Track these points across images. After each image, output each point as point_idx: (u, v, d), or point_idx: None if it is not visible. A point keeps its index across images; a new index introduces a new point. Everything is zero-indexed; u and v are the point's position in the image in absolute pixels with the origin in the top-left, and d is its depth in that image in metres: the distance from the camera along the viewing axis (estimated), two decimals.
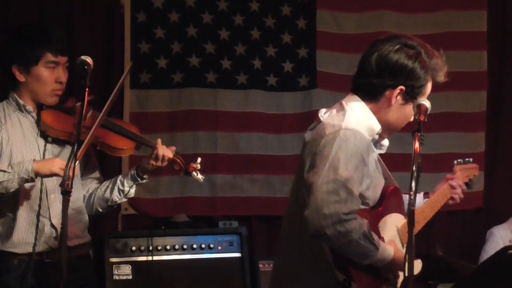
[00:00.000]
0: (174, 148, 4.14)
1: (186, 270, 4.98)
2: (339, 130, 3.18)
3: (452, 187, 3.77)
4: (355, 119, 3.25)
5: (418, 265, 3.40)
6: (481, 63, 5.92)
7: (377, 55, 3.32)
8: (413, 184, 2.99)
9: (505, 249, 2.69)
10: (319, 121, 3.32)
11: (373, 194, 3.29)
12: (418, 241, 3.21)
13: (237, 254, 5.09)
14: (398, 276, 3.29)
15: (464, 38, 5.88)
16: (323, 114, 3.36)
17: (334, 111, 3.33)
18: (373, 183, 3.28)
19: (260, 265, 5.17)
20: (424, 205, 3.68)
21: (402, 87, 3.29)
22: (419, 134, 3.11)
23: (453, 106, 5.83)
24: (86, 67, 3.36)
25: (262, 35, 5.61)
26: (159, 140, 4.08)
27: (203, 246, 5.05)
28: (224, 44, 5.56)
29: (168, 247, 4.99)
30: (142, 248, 4.94)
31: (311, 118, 5.65)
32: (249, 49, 5.60)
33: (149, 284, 4.88)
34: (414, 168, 3.02)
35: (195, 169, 4.15)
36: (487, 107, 5.94)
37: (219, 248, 5.07)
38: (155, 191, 5.39)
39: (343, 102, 3.35)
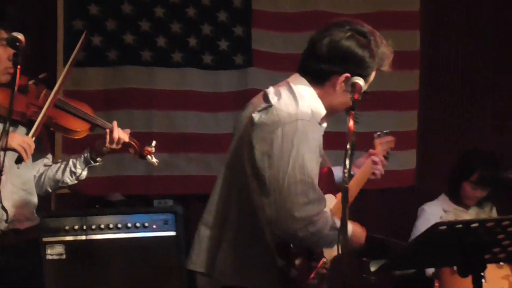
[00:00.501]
0: (128, 130, 4.08)
1: (121, 249, 4.95)
2: (297, 120, 3.16)
3: (374, 163, 3.80)
4: (307, 106, 3.25)
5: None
6: (414, 42, 6.00)
7: (328, 40, 3.30)
8: (347, 162, 3.02)
9: (436, 225, 2.74)
10: (270, 104, 3.26)
11: (317, 174, 3.29)
12: (351, 219, 3.30)
13: (172, 233, 5.07)
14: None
15: (397, 17, 5.94)
16: (273, 96, 3.30)
17: (284, 95, 3.29)
18: (320, 167, 3.30)
19: None
20: (351, 181, 3.67)
21: (348, 74, 3.28)
22: (353, 112, 3.14)
23: (386, 85, 5.89)
24: (17, 43, 3.30)
25: (198, 13, 5.59)
26: (115, 123, 3.97)
27: (137, 225, 5.02)
28: (160, 22, 5.52)
29: (102, 226, 4.95)
30: (76, 227, 4.89)
31: (247, 96, 5.67)
32: (184, 27, 5.57)
33: (83, 264, 4.84)
34: (348, 146, 3.05)
35: (150, 153, 4.12)
36: (419, 86, 6.02)
37: (154, 227, 5.05)
38: (89, 169, 5.33)
39: (292, 85, 3.32)
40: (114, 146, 3.99)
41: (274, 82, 3.53)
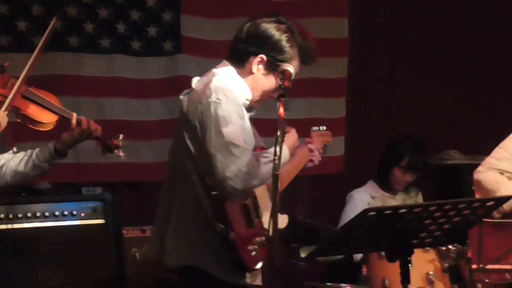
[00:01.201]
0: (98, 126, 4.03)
1: (49, 237, 4.88)
2: (211, 94, 3.34)
3: (311, 150, 3.91)
4: (224, 81, 3.41)
5: (284, 219, 3.64)
6: (343, 30, 6.03)
7: (250, 24, 3.48)
8: (278, 148, 3.04)
9: (366, 211, 2.77)
10: (192, 88, 3.46)
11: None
12: (282, 204, 3.34)
13: (101, 221, 5.02)
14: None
15: (325, 4, 5.97)
16: (196, 81, 3.50)
17: (204, 78, 3.47)
18: (251, 141, 3.46)
19: (124, 232, 5.13)
20: (288, 164, 3.76)
21: (263, 56, 3.44)
22: (283, 99, 3.16)
23: (315, 72, 5.90)
24: None
25: None
26: (82, 118, 3.93)
27: (65, 213, 4.96)
28: (87, 8, 5.44)
29: (29, 214, 4.87)
30: (2, 216, 4.81)
31: (176, 83, 5.67)
32: (112, 13, 5.50)
33: (10, 253, 4.76)
34: (278, 133, 3.07)
35: (117, 146, 4.07)
36: (348, 73, 6.07)
37: (82, 215, 4.99)
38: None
39: (213, 70, 3.50)
40: (83, 139, 3.95)
41: (203, 69, 3.60)
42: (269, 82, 3.50)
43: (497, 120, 6.12)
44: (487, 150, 3.97)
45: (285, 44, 3.45)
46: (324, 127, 4.16)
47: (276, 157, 3.03)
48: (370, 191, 5.59)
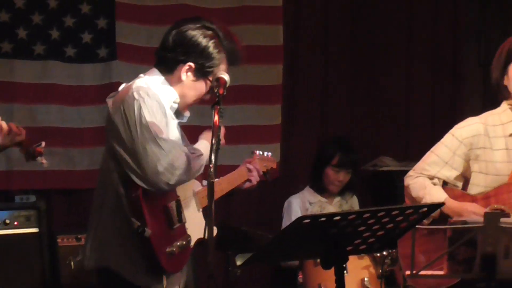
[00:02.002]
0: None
1: None
2: (132, 93, 3.36)
3: (249, 170, 3.94)
4: (147, 83, 3.43)
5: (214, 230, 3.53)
6: (277, 37, 6.06)
7: (176, 31, 3.50)
8: (213, 156, 3.04)
9: (301, 218, 2.79)
10: (118, 91, 3.49)
11: None
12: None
13: (35, 229, 4.96)
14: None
15: (260, 12, 5.99)
16: (122, 86, 3.53)
17: (130, 82, 3.48)
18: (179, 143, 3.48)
19: (59, 240, 5.07)
20: (222, 178, 3.78)
21: (192, 64, 3.47)
22: (218, 107, 3.17)
23: (250, 79, 5.94)
24: None
25: (60, 5, 5.46)
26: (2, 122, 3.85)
27: None
28: (20, 13, 5.37)
29: None
30: None
31: (111, 89, 5.55)
32: (46, 19, 5.44)
33: None
34: (213, 140, 3.07)
35: (40, 153, 3.99)
36: (283, 80, 6.10)
37: (16, 223, 4.93)
38: None
39: (140, 75, 3.53)
40: (8, 144, 3.85)
41: (138, 75, 3.57)
42: (199, 88, 3.53)
43: (430, 127, 6.22)
44: (420, 156, 4.02)
45: (212, 50, 3.48)
46: (270, 153, 4.21)
47: (212, 165, 3.05)
48: (307, 197, 5.62)
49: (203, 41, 3.47)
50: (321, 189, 5.60)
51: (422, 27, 6.38)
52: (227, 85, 3.36)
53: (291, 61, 6.16)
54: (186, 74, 3.49)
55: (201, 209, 3.65)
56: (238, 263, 4.65)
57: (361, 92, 6.34)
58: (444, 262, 3.21)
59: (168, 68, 3.51)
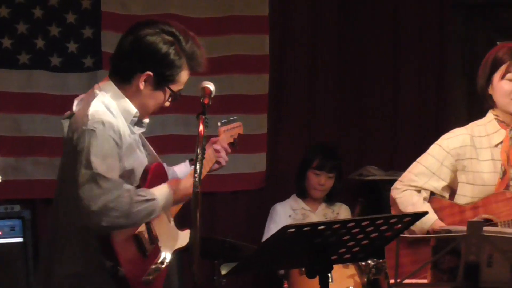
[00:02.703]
0: None
1: None
2: (87, 122, 3.16)
3: (216, 151, 3.67)
4: (103, 107, 3.23)
5: (186, 236, 3.51)
6: (263, 46, 6.07)
7: (132, 38, 3.27)
8: (198, 166, 3.04)
9: (285, 228, 2.79)
10: (73, 112, 3.29)
11: (139, 171, 3.34)
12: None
13: (19, 239, 4.94)
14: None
15: (246, 21, 6.00)
16: (76, 104, 3.32)
17: (84, 102, 3.29)
18: (136, 162, 3.32)
19: None
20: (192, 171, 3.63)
21: (150, 72, 3.25)
22: (203, 116, 3.17)
23: (236, 89, 5.95)
24: None
25: (45, 14, 5.46)
26: None
27: None
28: (5, 22, 5.36)
29: None
30: None
31: None
32: (31, 28, 5.43)
33: None
34: (198, 150, 3.07)
35: None
36: (269, 90, 6.10)
37: (0, 233, 4.90)
38: None
39: (95, 90, 3.32)
40: None
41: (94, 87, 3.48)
42: (158, 97, 3.33)
43: (415, 136, 6.23)
44: (406, 166, 4.02)
45: (173, 57, 3.26)
46: (235, 117, 3.92)
47: (196, 175, 3.04)
48: (291, 204, 5.63)
49: (163, 48, 3.24)
50: (305, 195, 5.61)
51: (408, 37, 6.40)
52: (212, 94, 3.33)
53: (277, 71, 6.17)
54: (144, 83, 3.27)
55: (172, 219, 3.51)
56: (223, 272, 4.64)
57: (347, 101, 6.35)
58: (428, 271, 3.23)
59: (124, 77, 3.28)
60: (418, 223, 3.54)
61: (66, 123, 3.30)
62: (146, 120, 3.43)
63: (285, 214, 5.56)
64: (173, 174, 3.63)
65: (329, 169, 5.54)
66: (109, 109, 3.24)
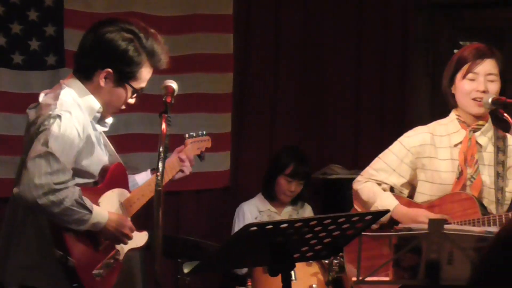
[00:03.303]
0: None
1: None
2: (55, 109, 3.21)
3: (181, 160, 3.76)
4: (71, 99, 3.29)
5: (143, 237, 3.53)
6: (228, 45, 6.07)
7: (93, 35, 3.35)
8: (160, 164, 3.04)
9: (248, 226, 2.80)
10: (38, 102, 3.34)
11: (97, 169, 3.37)
12: (142, 221, 3.34)
13: None
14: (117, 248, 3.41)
15: (211, 20, 5.99)
16: (42, 96, 3.37)
17: (51, 92, 3.35)
18: (95, 159, 3.35)
19: None
20: (152, 178, 3.64)
21: (110, 69, 3.33)
22: (166, 115, 3.17)
23: (200, 87, 5.94)
24: None
25: (7, 12, 5.40)
26: None
27: None
28: None
29: None
30: None
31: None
32: None
33: None
34: (161, 148, 3.07)
35: None
36: (233, 89, 6.11)
37: None
38: None
39: (62, 83, 3.38)
40: None
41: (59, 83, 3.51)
42: (120, 94, 3.39)
43: (378, 135, 6.27)
44: (369, 164, 4.05)
45: (132, 53, 3.33)
46: (204, 132, 4.00)
47: (159, 174, 3.04)
48: (258, 205, 5.63)
49: (122, 45, 3.32)
50: (272, 198, 5.62)
51: (371, 37, 6.44)
52: (175, 93, 3.33)
53: (241, 70, 6.17)
54: (104, 80, 3.34)
55: (129, 219, 3.49)
56: (186, 270, 4.65)
57: (310, 100, 6.37)
58: (389, 268, 3.25)
59: (86, 74, 3.36)
60: (380, 208, 3.60)
61: (32, 112, 3.34)
62: (110, 120, 3.48)
63: (252, 214, 5.56)
64: (133, 181, 3.66)
65: (301, 177, 5.55)
66: (76, 102, 3.29)
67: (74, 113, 3.24)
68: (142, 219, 3.62)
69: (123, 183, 3.51)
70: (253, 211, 5.60)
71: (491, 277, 1.22)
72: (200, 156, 3.95)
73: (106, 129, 3.48)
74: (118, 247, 3.41)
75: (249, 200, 5.69)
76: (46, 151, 3.11)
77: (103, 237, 3.33)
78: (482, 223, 3.57)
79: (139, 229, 3.52)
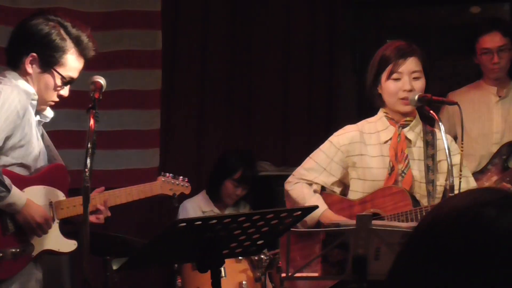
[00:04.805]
0: None
1: None
2: (1, 82, 3.28)
3: (98, 211, 3.70)
4: (12, 81, 3.34)
5: (70, 245, 3.55)
6: (156, 42, 6.04)
7: (19, 25, 3.41)
8: (88, 160, 3.02)
9: (176, 222, 2.80)
10: None
11: (25, 152, 3.35)
12: (70, 228, 3.32)
13: None
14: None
15: (139, 16, 5.96)
16: None
17: None
18: (27, 141, 3.34)
19: None
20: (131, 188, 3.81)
21: (34, 54, 3.36)
22: (94, 111, 3.14)
23: (129, 84, 5.90)
24: None
25: None
26: None
27: None
28: None
29: None
30: None
31: None
32: None
33: None
34: (89, 145, 3.04)
35: None
36: (162, 85, 6.08)
37: None
38: None
39: (4, 72, 3.43)
40: None
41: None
42: (47, 81, 3.42)
43: (306, 132, 6.31)
44: (297, 161, 4.08)
45: (54, 37, 3.37)
46: (186, 179, 4.06)
47: (87, 170, 3.01)
48: (201, 205, 5.59)
49: (45, 29, 3.37)
50: (217, 199, 5.59)
51: (298, 34, 6.47)
52: (103, 89, 3.31)
53: (169, 66, 6.15)
54: (31, 66, 3.38)
55: (57, 220, 3.49)
56: (115, 267, 4.61)
57: (238, 96, 6.38)
58: (318, 264, 3.28)
59: (14, 63, 3.41)
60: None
61: None
62: (50, 114, 3.51)
63: (195, 213, 5.52)
64: None
65: (249, 182, 5.54)
66: (16, 84, 3.33)
67: (17, 92, 3.27)
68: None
69: (60, 185, 3.48)
70: (196, 210, 5.56)
71: (409, 269, 1.25)
72: (172, 198, 3.96)
73: (46, 121, 3.51)
74: (33, 242, 3.37)
75: (192, 197, 5.64)
76: None
77: (18, 223, 3.31)
78: (415, 215, 3.62)
79: (69, 235, 3.50)
